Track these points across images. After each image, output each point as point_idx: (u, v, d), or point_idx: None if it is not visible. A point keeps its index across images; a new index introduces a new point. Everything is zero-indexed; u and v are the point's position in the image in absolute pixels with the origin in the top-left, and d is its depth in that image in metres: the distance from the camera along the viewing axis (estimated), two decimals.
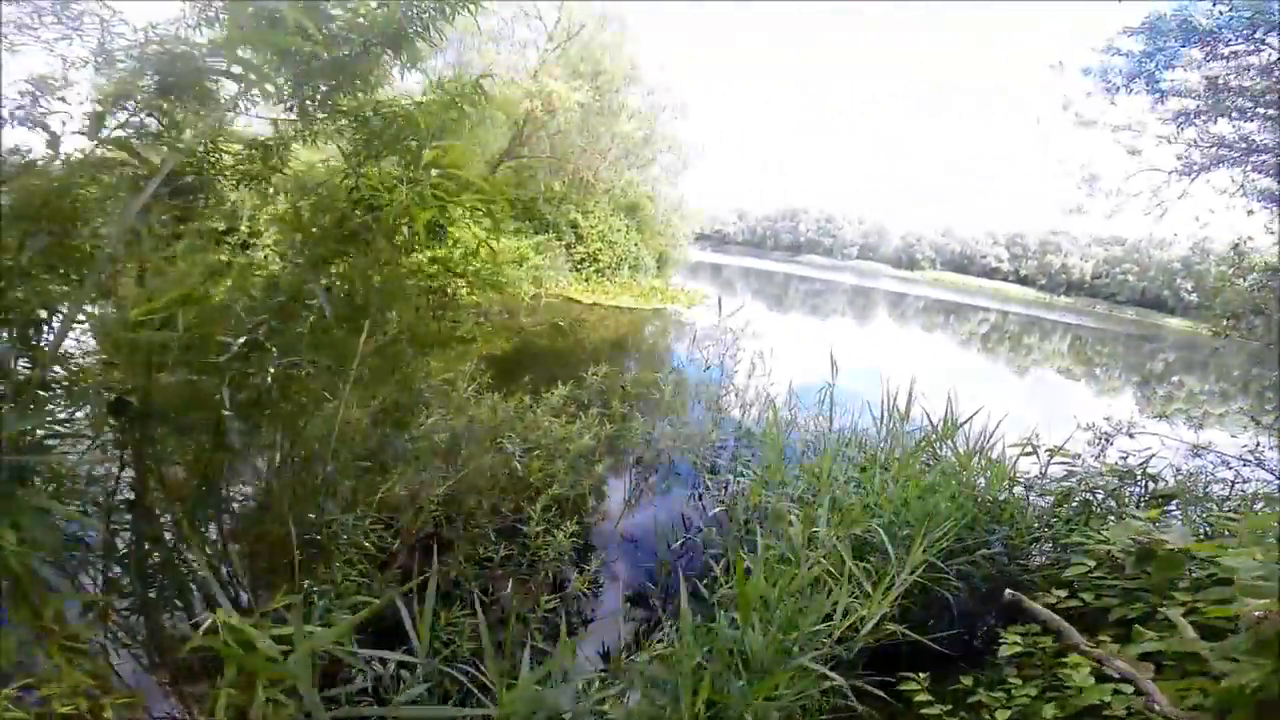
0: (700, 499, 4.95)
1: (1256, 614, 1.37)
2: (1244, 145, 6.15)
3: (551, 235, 19.69)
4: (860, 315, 31.54)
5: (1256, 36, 5.48)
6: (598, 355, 11.73)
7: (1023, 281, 78.56)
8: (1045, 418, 6.96)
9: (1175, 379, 23.87)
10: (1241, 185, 6.54)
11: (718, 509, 4.12)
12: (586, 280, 20.31)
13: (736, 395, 6.81)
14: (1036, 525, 3.80)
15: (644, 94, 23.32)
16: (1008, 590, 2.62)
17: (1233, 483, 5.42)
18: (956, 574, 3.17)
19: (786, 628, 2.23)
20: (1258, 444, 6.41)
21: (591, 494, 4.14)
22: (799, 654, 2.21)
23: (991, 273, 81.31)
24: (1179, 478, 5.22)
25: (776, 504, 3.42)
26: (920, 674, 2.51)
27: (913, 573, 2.54)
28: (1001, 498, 3.73)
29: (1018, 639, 2.60)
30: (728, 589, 2.88)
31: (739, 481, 4.36)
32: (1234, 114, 6.08)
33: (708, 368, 6.36)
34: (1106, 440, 6.46)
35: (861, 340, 22.02)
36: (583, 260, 21.00)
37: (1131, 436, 6.71)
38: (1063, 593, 2.87)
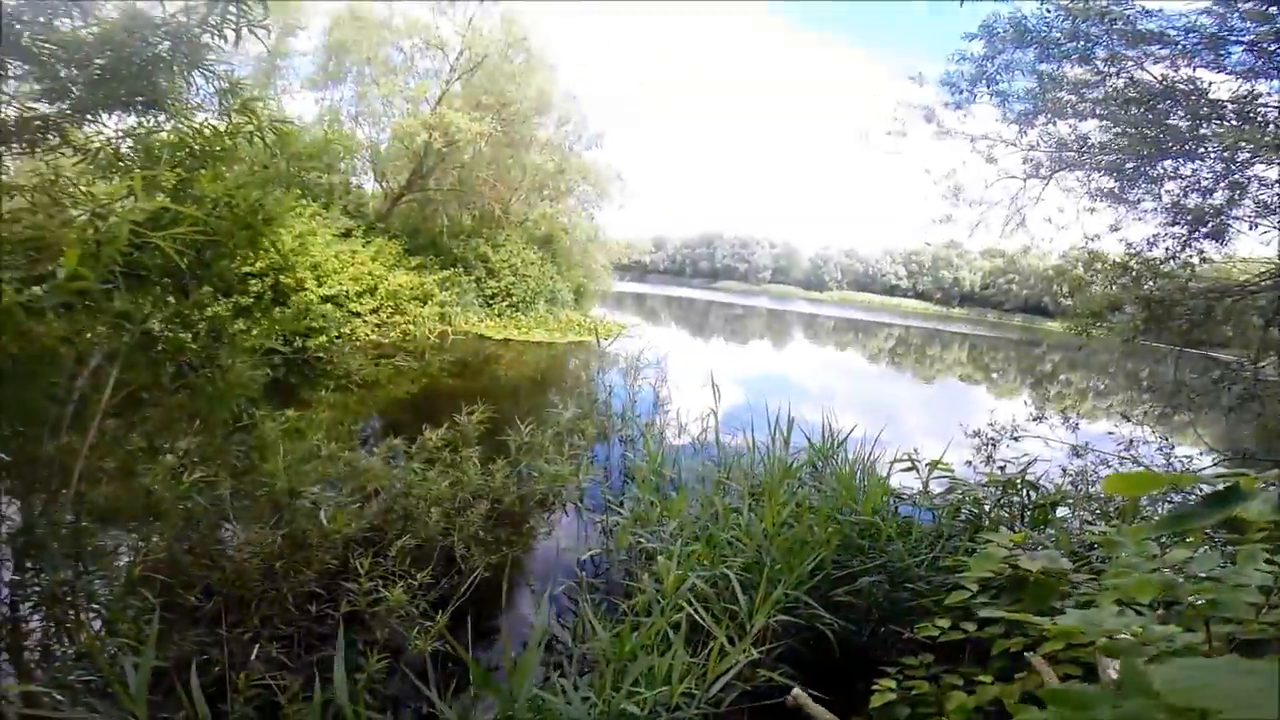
0: (590, 539, 4.65)
1: (1114, 674, 1.18)
2: (1081, 145, 6.50)
3: (459, 270, 19.06)
4: (778, 337, 32.46)
5: (1080, 31, 5.70)
6: (511, 392, 11.29)
7: (920, 296, 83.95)
8: (953, 424, 7.16)
9: (1062, 378, 25.83)
10: (1086, 185, 6.92)
11: (591, 552, 3.82)
12: (499, 315, 19.75)
13: (641, 425, 6.61)
14: (924, 545, 3.62)
15: (555, 124, 23.27)
16: (794, 690, 2.34)
17: None
18: (836, 606, 3.00)
19: (618, 690, 1.95)
20: (1131, 441, 6.77)
21: (464, 543, 3.75)
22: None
23: (892, 290, 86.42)
24: (1062, 479, 5.34)
25: (646, 546, 3.16)
26: None
27: (769, 615, 2.31)
28: (878, 519, 3.56)
29: (891, 686, 2.41)
30: (592, 642, 2.59)
31: (617, 521, 4.09)
32: (1069, 114, 6.41)
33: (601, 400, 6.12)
34: (993, 446, 6.67)
35: (779, 361, 22.56)
36: (494, 295, 20.44)
37: (1016, 439, 6.98)
38: (945, 623, 2.67)
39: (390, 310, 14.84)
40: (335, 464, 3.90)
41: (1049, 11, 5.84)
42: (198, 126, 2.51)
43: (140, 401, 2.81)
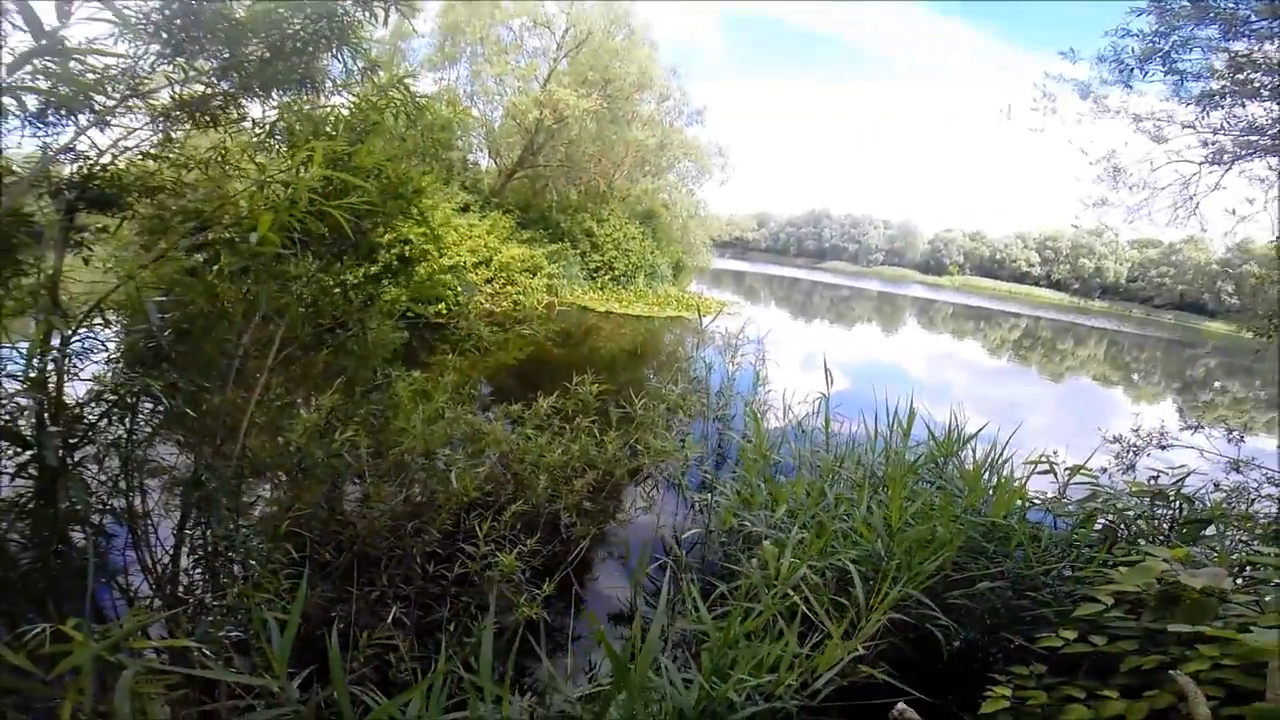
0: (688, 518, 4.68)
1: None
2: (1278, 130, 5.64)
3: (566, 244, 19.59)
4: (887, 322, 30.79)
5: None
6: (610, 364, 11.56)
7: (1055, 286, 76.12)
8: (1080, 427, 6.52)
9: (1217, 384, 22.73)
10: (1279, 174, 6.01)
11: (691, 531, 3.84)
12: (601, 288, 20.15)
13: (746, 406, 6.53)
14: (1053, 553, 3.40)
15: (656, 100, 23.20)
16: (898, 705, 2.19)
17: (1278, 500, 4.90)
18: (951, 609, 2.83)
19: (722, 676, 1.95)
20: None
21: (569, 511, 3.88)
22: (738, 707, 1.93)
23: (1022, 277, 78.96)
24: (1218, 495, 4.74)
25: (752, 530, 3.12)
26: None
27: (885, 612, 2.22)
28: (1009, 521, 3.33)
29: (1005, 693, 2.25)
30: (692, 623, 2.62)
31: (719, 501, 4.07)
32: (1264, 94, 5.57)
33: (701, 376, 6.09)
34: (1135, 454, 5.99)
35: (889, 348, 21.43)
36: (598, 268, 20.86)
37: (1164, 449, 6.23)
38: (1071, 634, 2.49)
39: (503, 281, 15.54)
40: (458, 426, 4.12)
41: None
42: (357, 101, 2.69)
43: (293, 360, 3.06)
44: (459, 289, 13.11)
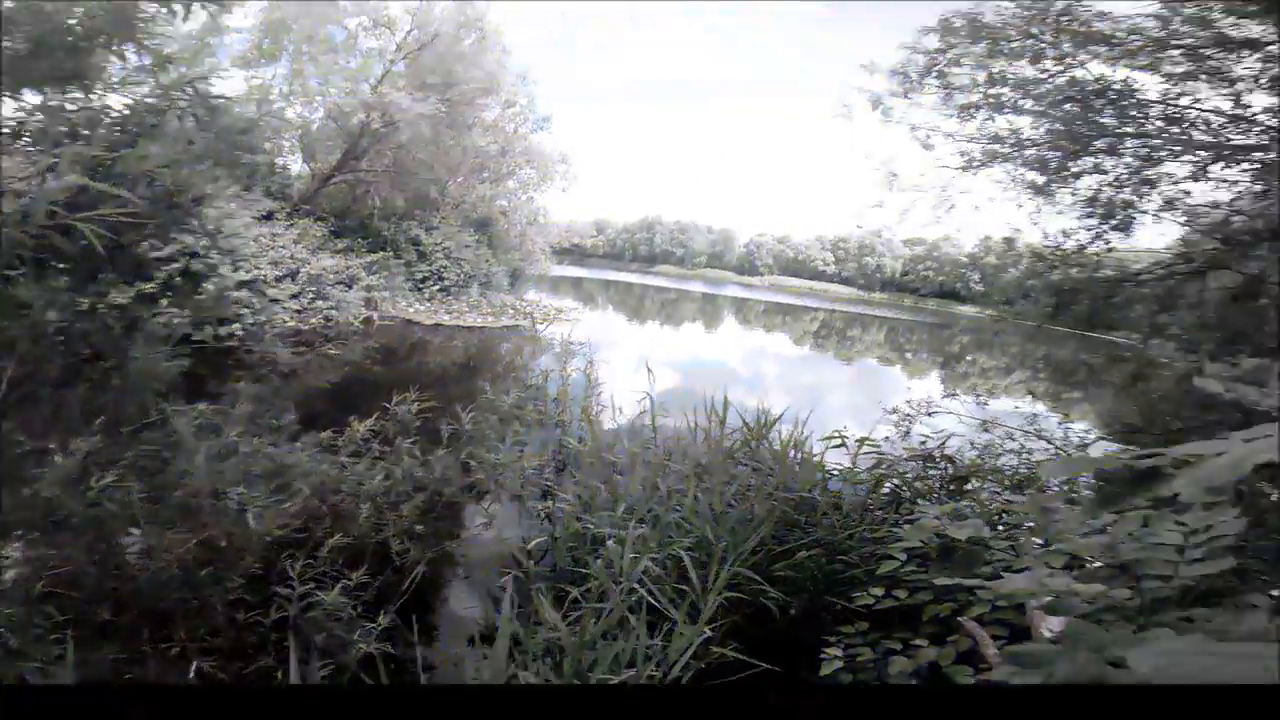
0: (533, 527, 4.61)
1: (1048, 632, 1.29)
2: (1014, 140, 6.85)
3: (388, 253, 18.27)
4: (709, 321, 33.02)
5: (1034, 31, 5.97)
6: (440, 379, 10.98)
7: (846, 282, 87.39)
8: (869, 402, 7.51)
9: (969, 358, 27.60)
10: (1013, 179, 7.31)
11: (537, 540, 3.81)
12: (430, 299, 19.11)
13: (581, 410, 6.58)
14: (853, 518, 3.82)
15: (502, 106, 22.57)
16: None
17: (1019, 453, 5.86)
18: (778, 580, 3.12)
19: (584, 680, 1.96)
20: (1034, 416, 7.31)
21: (399, 538, 3.63)
22: None
23: (820, 275, 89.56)
24: (973, 454, 5.71)
25: (596, 531, 3.18)
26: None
27: (721, 593, 2.39)
28: (814, 495, 3.73)
29: (837, 654, 2.53)
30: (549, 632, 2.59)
31: (561, 508, 4.08)
32: (1007, 109, 6.72)
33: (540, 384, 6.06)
34: (909, 422, 7.07)
35: (711, 345, 22.98)
36: (425, 279, 19.74)
37: (930, 415, 7.42)
38: (879, 591, 2.82)
39: (312, 295, 14.07)
40: (257, 460, 3.68)
41: (1006, 8, 6.06)
42: (128, 102, 2.30)
43: (35, 400, 2.54)
44: (256, 307, 11.64)
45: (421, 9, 18.80)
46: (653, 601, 2.65)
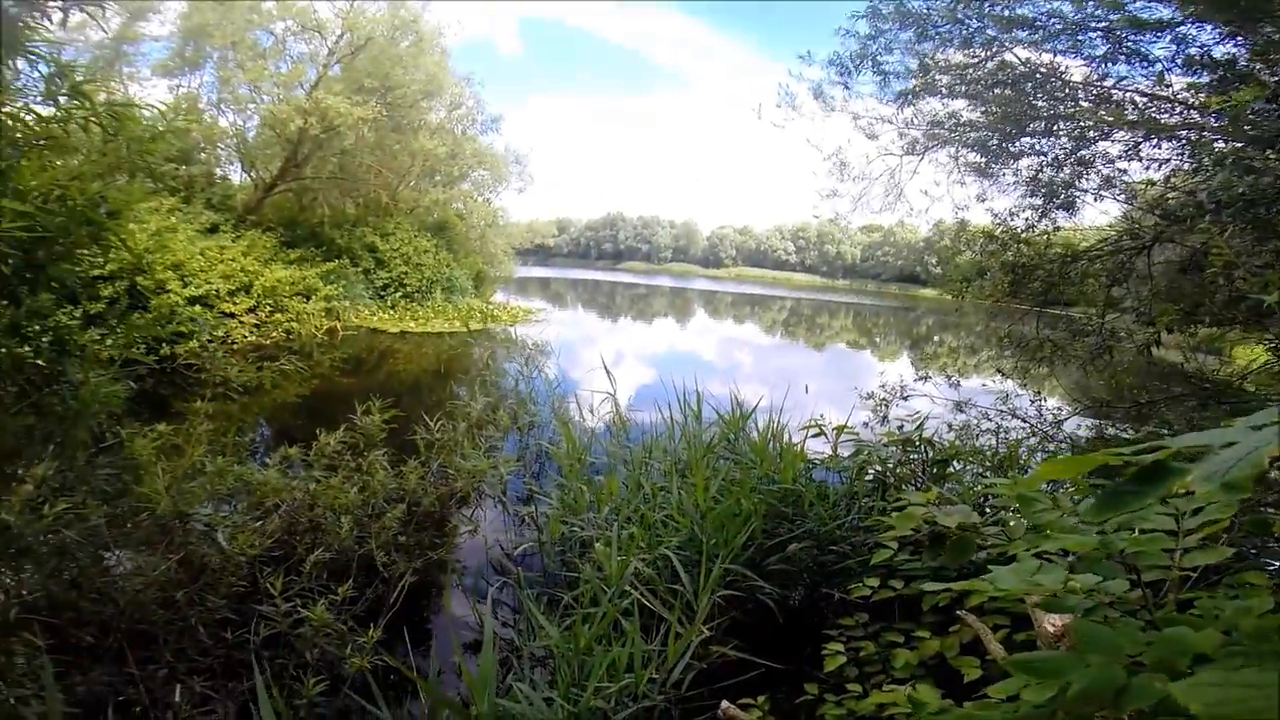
0: (518, 532, 4.52)
1: (1050, 628, 1.27)
2: (953, 123, 6.98)
3: (344, 261, 17.76)
4: (680, 314, 33.13)
5: (958, 15, 6.05)
6: (412, 387, 10.74)
7: (808, 270, 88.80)
8: (844, 387, 7.58)
9: (936, 339, 28.27)
10: (956, 162, 7.45)
11: (523, 545, 3.74)
12: (393, 307, 18.68)
13: (554, 412, 6.49)
14: (841, 507, 3.70)
15: (447, 108, 22.13)
16: (723, 704, 2.23)
17: (995, 433, 5.85)
18: (772, 574, 3.10)
19: (581, 687, 1.91)
20: (1006, 395, 7.43)
21: (383, 550, 3.52)
22: (610, 715, 1.90)
23: (782, 264, 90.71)
24: (950, 435, 5.71)
25: (582, 534, 3.12)
26: (758, 697, 2.32)
27: (714, 590, 2.35)
28: (798, 485, 3.68)
29: (840, 649, 2.50)
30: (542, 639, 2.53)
31: (545, 512, 4.00)
32: (943, 94, 6.86)
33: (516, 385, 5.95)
34: (886, 406, 7.16)
35: (684, 338, 23.04)
36: (386, 286, 19.29)
37: (906, 399, 7.52)
38: (875, 582, 2.67)
39: (269, 308, 13.59)
40: (224, 479, 3.52)
41: None
42: (15, 112, 2.14)
43: None
44: (211, 322, 11.21)
45: (352, 12, 18.29)
46: (645, 603, 2.60)
